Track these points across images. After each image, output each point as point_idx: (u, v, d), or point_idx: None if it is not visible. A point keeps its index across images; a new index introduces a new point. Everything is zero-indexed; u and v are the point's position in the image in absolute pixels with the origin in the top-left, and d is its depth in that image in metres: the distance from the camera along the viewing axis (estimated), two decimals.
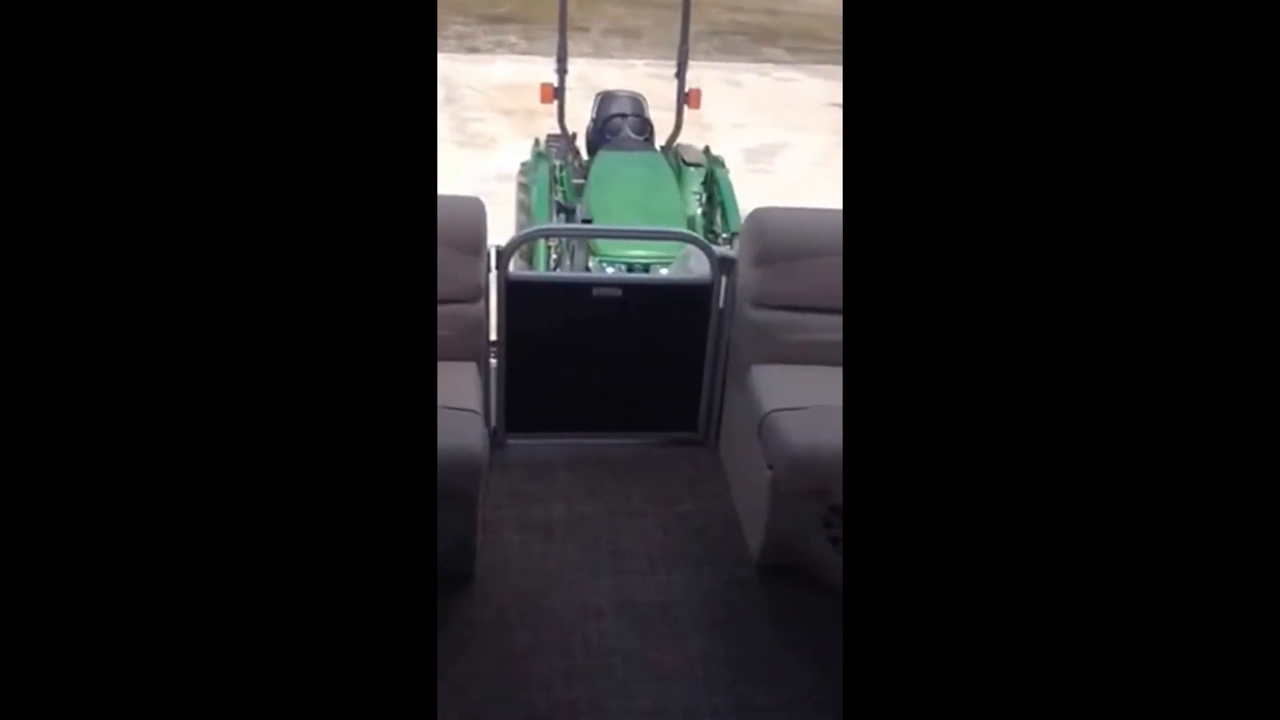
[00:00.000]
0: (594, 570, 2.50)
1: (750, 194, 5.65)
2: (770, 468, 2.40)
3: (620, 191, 4.81)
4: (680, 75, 5.46)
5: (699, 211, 5.17)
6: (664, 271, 4.36)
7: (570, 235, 4.32)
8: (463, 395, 2.41)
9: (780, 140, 9.90)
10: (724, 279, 2.87)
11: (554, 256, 4.72)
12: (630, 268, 4.34)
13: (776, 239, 2.64)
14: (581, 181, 5.19)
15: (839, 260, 2.61)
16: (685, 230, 4.26)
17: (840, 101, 11.61)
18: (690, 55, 5.47)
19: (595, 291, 2.85)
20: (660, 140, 5.70)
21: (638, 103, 5.90)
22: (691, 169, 5.34)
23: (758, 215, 2.71)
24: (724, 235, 4.91)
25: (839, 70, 12.73)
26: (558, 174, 5.29)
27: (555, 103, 5.28)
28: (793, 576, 2.49)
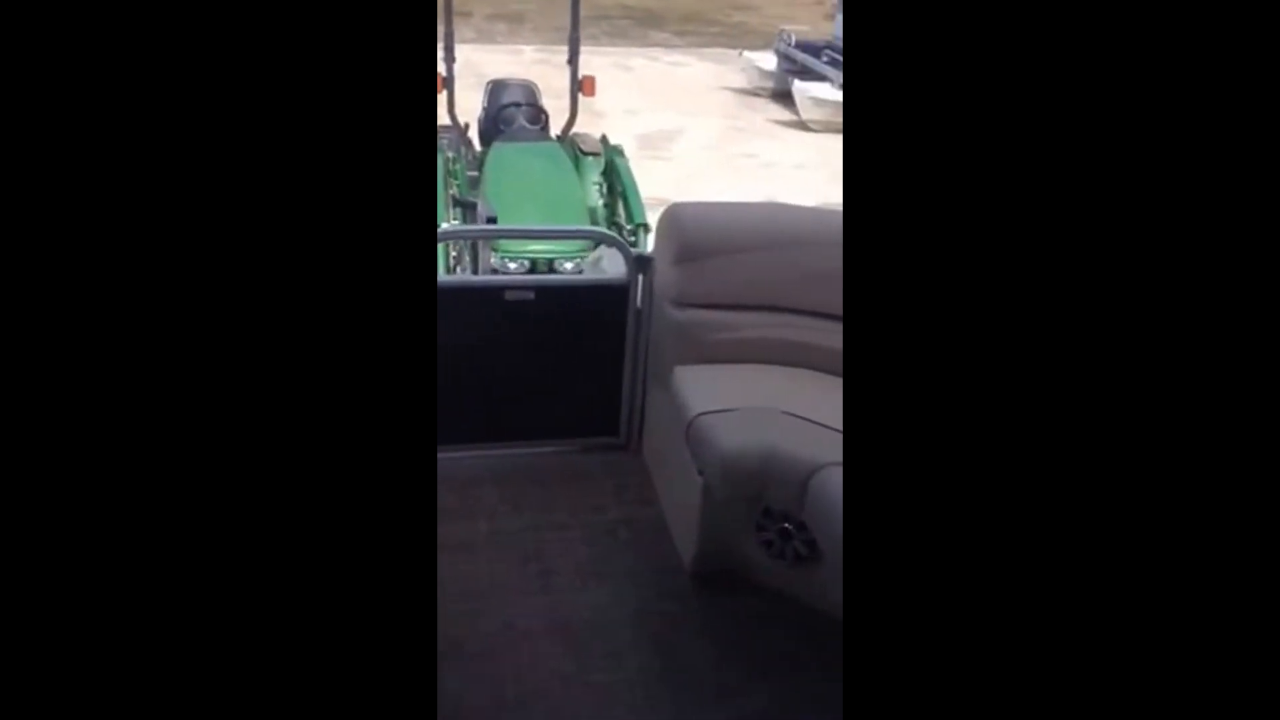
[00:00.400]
0: (522, 590, 2.37)
1: (649, 181, 5.58)
2: (701, 473, 2.32)
3: (519, 185, 4.65)
4: (573, 62, 5.33)
5: (600, 202, 5.06)
6: (569, 265, 4.25)
7: (481, 237, 4.14)
8: None
9: (674, 125, 9.87)
10: (640, 277, 2.77)
11: (454, 254, 4.54)
12: (534, 263, 4.20)
13: (695, 235, 2.55)
14: (476, 174, 5.01)
15: (761, 255, 2.54)
16: (600, 229, 4.18)
17: (730, 84, 11.74)
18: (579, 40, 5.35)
19: (508, 295, 2.71)
20: (555, 129, 5.56)
21: (530, 91, 5.75)
22: (590, 158, 5.22)
23: (675, 211, 2.61)
24: (628, 226, 4.82)
25: (727, 53, 12.85)
26: (451, 167, 5.10)
27: (444, 92, 5.08)
28: (726, 582, 2.42)
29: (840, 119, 10.19)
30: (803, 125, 10.27)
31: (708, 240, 2.55)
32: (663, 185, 7.47)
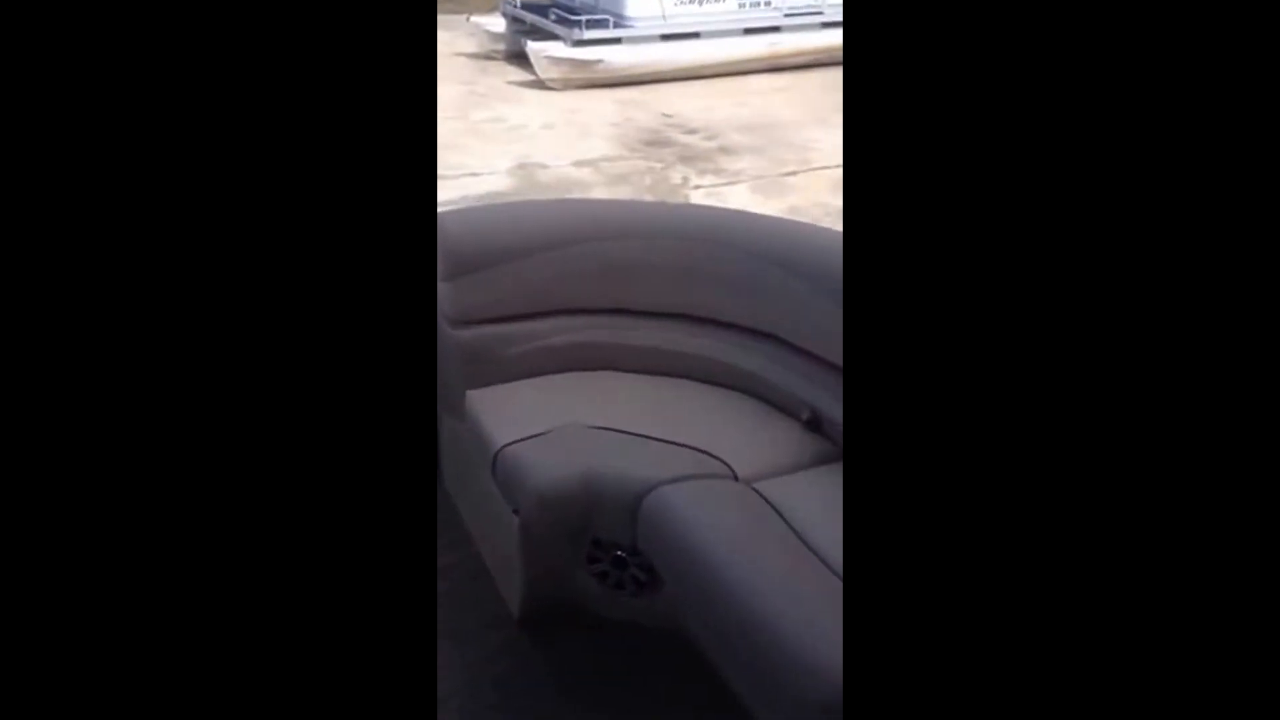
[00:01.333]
0: None
1: None
2: (516, 511, 2.06)
3: None
4: None
5: None
6: None
7: None
8: None
9: None
10: None
11: None
12: None
13: (465, 246, 2.26)
14: None
15: (542, 257, 2.29)
16: None
17: (462, 50, 11.29)
18: None
19: None
20: None
21: None
22: None
23: (438, 222, 2.31)
24: None
25: (453, 19, 12.35)
26: None
27: None
28: (560, 622, 2.19)
29: (578, 75, 10.08)
30: (542, 85, 10.07)
31: (480, 249, 2.26)
32: None
